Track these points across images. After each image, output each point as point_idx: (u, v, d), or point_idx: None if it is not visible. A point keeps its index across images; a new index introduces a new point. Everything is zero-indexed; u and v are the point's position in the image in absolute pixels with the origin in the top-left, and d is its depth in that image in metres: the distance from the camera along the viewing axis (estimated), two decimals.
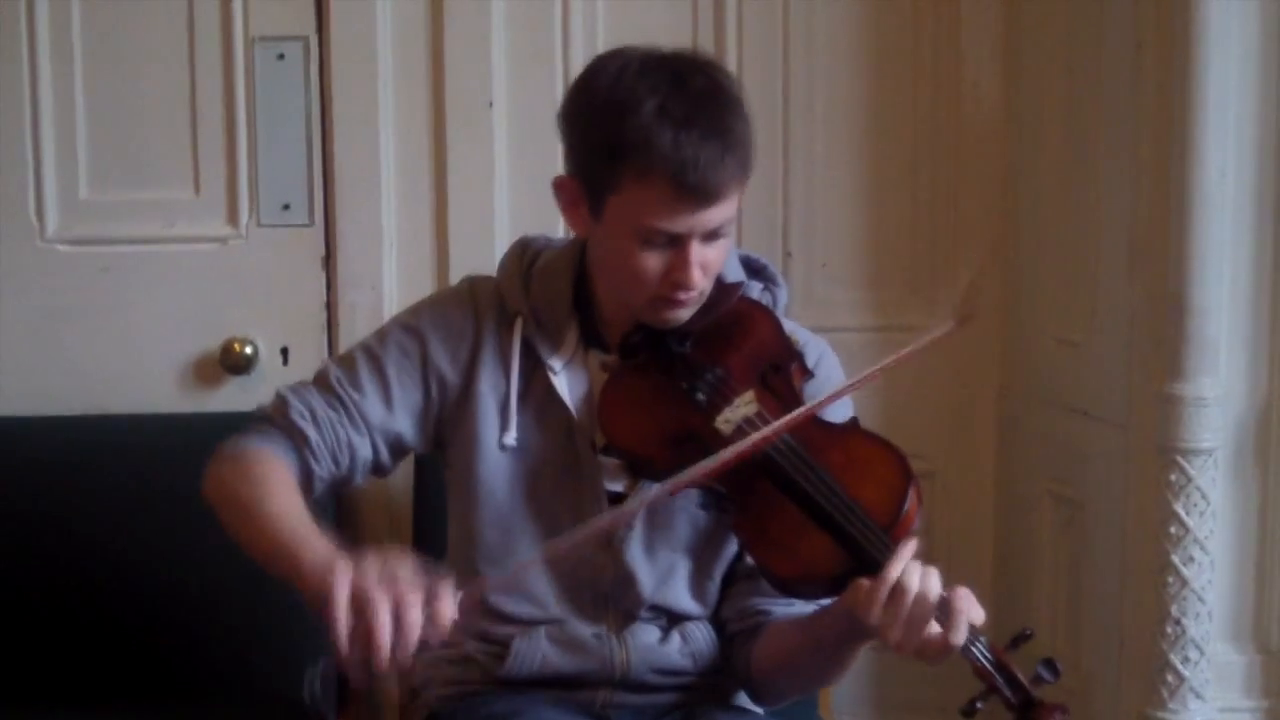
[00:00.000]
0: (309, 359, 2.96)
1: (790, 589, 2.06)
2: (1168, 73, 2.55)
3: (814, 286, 3.08)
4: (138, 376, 2.99)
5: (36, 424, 2.92)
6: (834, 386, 2.19)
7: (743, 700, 2.31)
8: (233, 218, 3.00)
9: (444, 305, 2.27)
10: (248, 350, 2.98)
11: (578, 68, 2.98)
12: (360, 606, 1.81)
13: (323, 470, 2.17)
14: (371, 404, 2.19)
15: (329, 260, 3.02)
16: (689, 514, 2.20)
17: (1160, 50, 2.57)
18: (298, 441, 2.15)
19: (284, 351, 3.00)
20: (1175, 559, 2.58)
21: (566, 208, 2.17)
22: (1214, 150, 2.53)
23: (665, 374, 2.14)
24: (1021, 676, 1.95)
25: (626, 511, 2.09)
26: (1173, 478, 2.57)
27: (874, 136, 3.09)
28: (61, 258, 2.99)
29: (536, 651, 2.19)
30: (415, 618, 1.81)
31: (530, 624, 2.21)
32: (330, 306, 3.02)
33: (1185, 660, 2.60)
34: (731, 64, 3.03)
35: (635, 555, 2.20)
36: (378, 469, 2.24)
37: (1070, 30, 2.87)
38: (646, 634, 2.22)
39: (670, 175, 2.00)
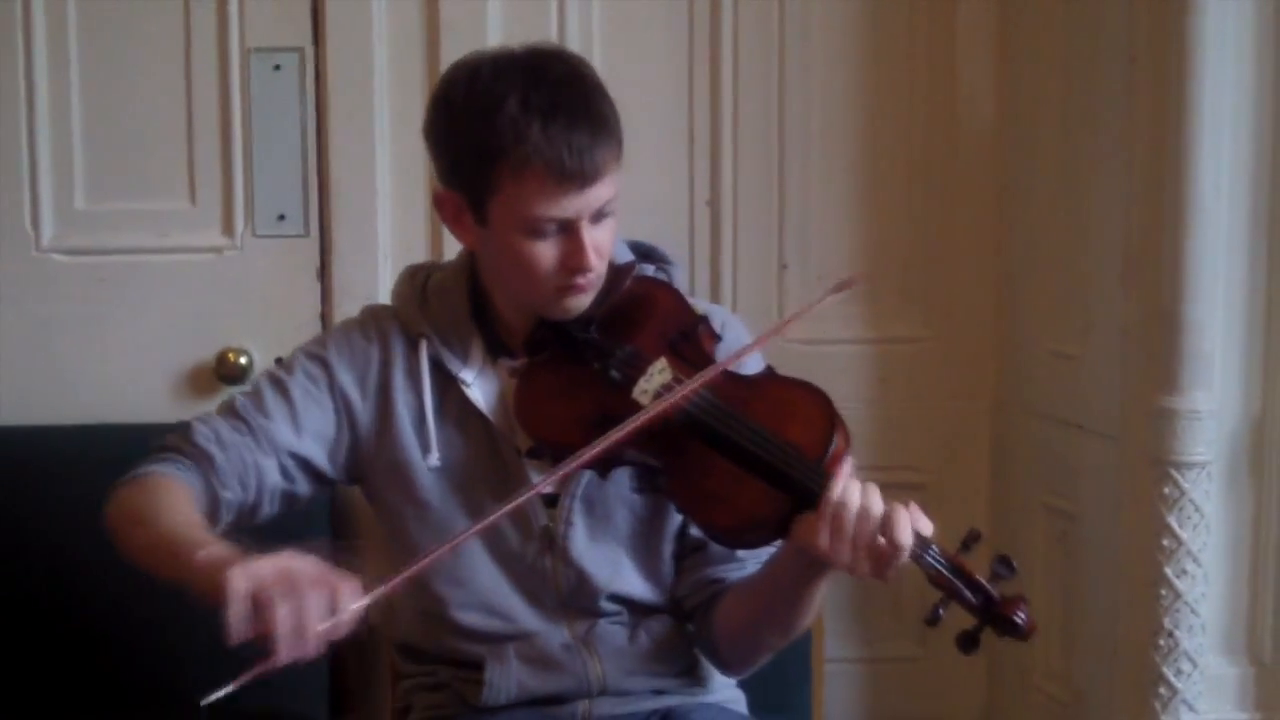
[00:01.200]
0: None
1: (737, 539, 2.08)
2: (1162, 86, 2.55)
3: (809, 298, 3.08)
4: (133, 386, 2.99)
5: (31, 433, 2.92)
6: (742, 345, 2.21)
7: (716, 696, 2.32)
8: (228, 228, 3.01)
9: (348, 334, 2.27)
10: (242, 360, 2.99)
11: None
12: (257, 601, 1.76)
13: (230, 495, 2.13)
14: (279, 427, 2.17)
15: (324, 271, 3.02)
16: (624, 500, 2.21)
17: (1154, 63, 2.58)
18: (203, 466, 2.12)
19: (278, 361, 2.99)
20: (1168, 571, 2.59)
21: (451, 222, 2.18)
22: (1208, 164, 2.53)
23: (576, 362, 2.15)
24: (979, 576, 1.97)
25: (544, 480, 2.06)
26: (1166, 490, 2.57)
27: (869, 149, 3.10)
28: (57, 268, 2.99)
29: (510, 678, 2.20)
30: (312, 614, 1.76)
31: (497, 640, 2.21)
32: (325, 317, 3.02)
33: (1178, 672, 2.60)
34: (727, 73, 3.05)
35: (580, 550, 2.20)
36: (289, 496, 2.21)
37: (1065, 43, 2.87)
38: (614, 637, 2.23)
39: (546, 164, 2.03)
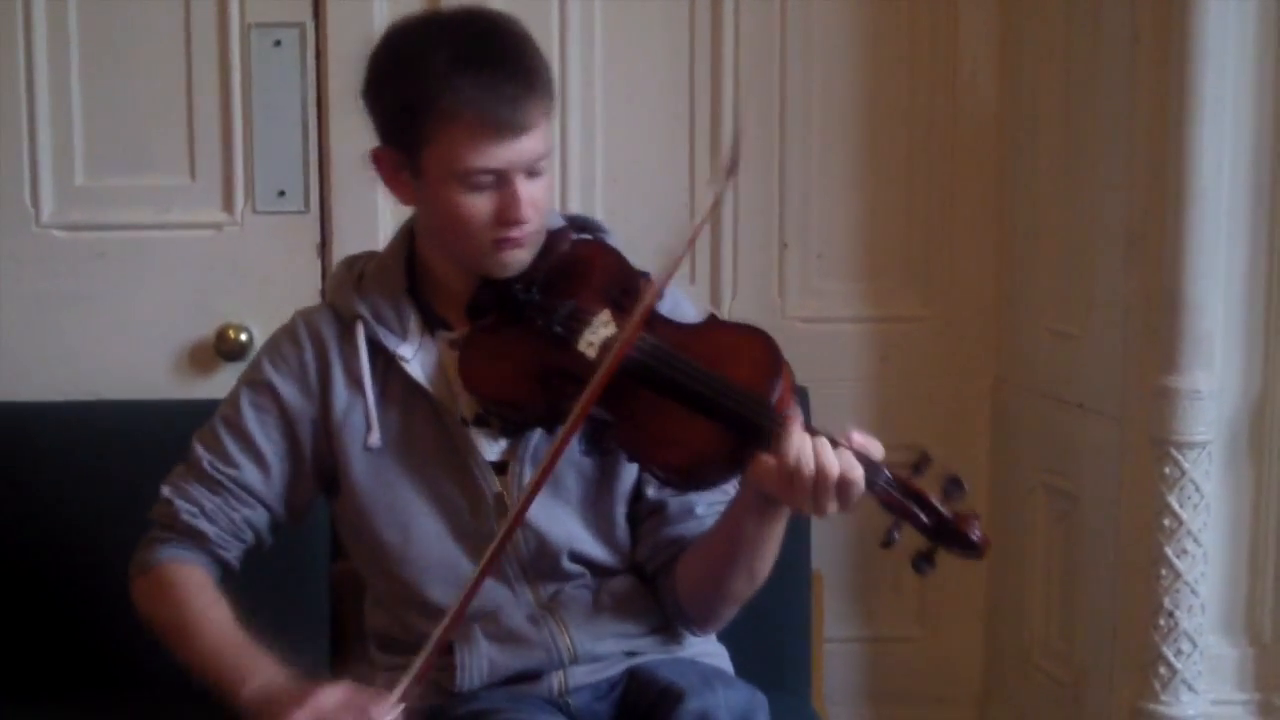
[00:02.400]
0: None
1: (691, 479, 2.09)
2: (1164, 66, 2.55)
3: (809, 277, 3.09)
4: (132, 362, 2.99)
5: (31, 409, 2.92)
6: (681, 305, 2.25)
7: (690, 652, 2.31)
8: (228, 204, 3.00)
9: (278, 345, 2.29)
10: (242, 337, 2.99)
11: (574, 59, 3.02)
12: None
13: (232, 554, 2.24)
14: (249, 474, 2.23)
15: (324, 247, 3.02)
16: (573, 462, 2.21)
17: (1157, 44, 2.57)
18: (199, 542, 2.22)
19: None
20: (1169, 551, 2.59)
21: (388, 179, 2.20)
22: (1210, 144, 2.53)
23: (519, 322, 2.16)
24: (932, 497, 1.98)
25: (540, 473, 2.06)
26: (1167, 470, 2.58)
27: (870, 128, 3.10)
28: (57, 243, 2.99)
29: (481, 658, 2.20)
30: None
31: (464, 621, 2.19)
32: (325, 293, 3.00)
33: (1178, 653, 2.60)
34: (729, 58, 3.04)
35: (535, 514, 2.18)
36: (288, 521, 2.30)
37: (1067, 23, 2.87)
38: (578, 604, 2.23)
39: (477, 115, 2.05)
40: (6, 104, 2.95)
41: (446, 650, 2.19)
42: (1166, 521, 2.58)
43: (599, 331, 2.12)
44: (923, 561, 1.98)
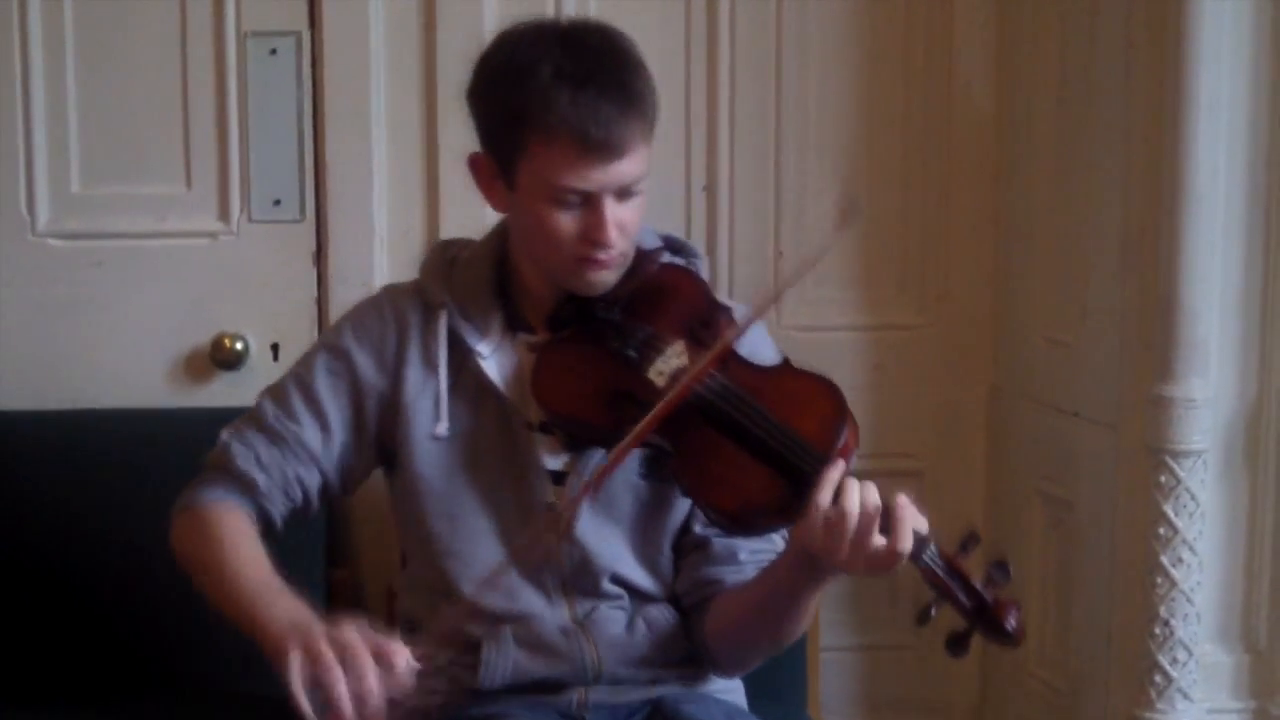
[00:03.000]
0: (299, 355, 2.96)
1: (736, 524, 2.08)
2: (1159, 73, 2.55)
3: (805, 285, 3.08)
4: (128, 371, 2.99)
5: (27, 418, 2.92)
6: (761, 345, 2.24)
7: (711, 688, 2.32)
8: (224, 213, 3.00)
9: (362, 316, 2.30)
10: (238, 346, 2.98)
11: None
12: (319, 681, 1.89)
13: (278, 509, 2.23)
14: (310, 434, 2.23)
15: (320, 256, 3.02)
16: (630, 484, 2.22)
17: (1152, 50, 2.57)
18: (248, 488, 2.21)
19: (274, 347, 3.00)
20: (1164, 560, 2.59)
21: (484, 185, 2.20)
22: (1205, 151, 2.53)
23: (595, 340, 2.16)
24: (974, 579, 1.97)
25: (579, 493, 2.09)
26: (1162, 479, 2.58)
27: (866, 135, 3.09)
28: (53, 252, 2.99)
29: (507, 659, 2.20)
30: (372, 684, 1.89)
31: (496, 620, 2.21)
32: (321, 302, 3.01)
33: (1173, 661, 2.60)
34: (724, 63, 3.04)
35: (584, 528, 2.20)
36: (339, 490, 2.29)
37: (1062, 29, 2.87)
38: (612, 624, 2.23)
39: (572, 133, 2.04)
40: (2, 112, 2.95)
41: (473, 648, 2.20)
42: (1162, 530, 2.58)
43: (671, 361, 2.12)
44: (956, 644, 1.98)
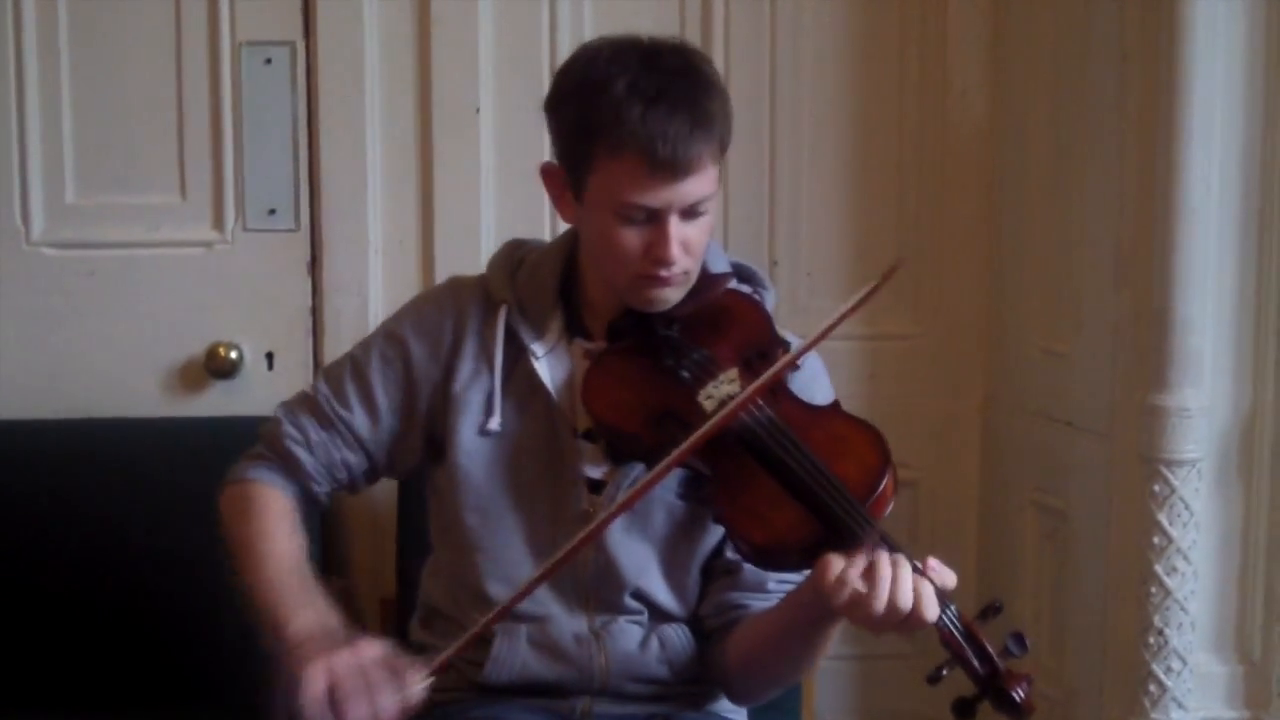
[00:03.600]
0: (294, 364, 2.97)
1: (763, 559, 2.07)
2: (1153, 84, 2.56)
3: (799, 295, 3.08)
4: (122, 380, 2.99)
5: (20, 427, 2.92)
6: (816, 383, 2.24)
7: (720, 708, 2.32)
8: (218, 222, 3.00)
9: (423, 305, 2.32)
10: (233, 355, 2.98)
11: (564, 59, 3.01)
12: (333, 697, 1.92)
13: (322, 488, 2.27)
14: (360, 420, 2.25)
15: (314, 265, 3.02)
16: (666, 503, 2.21)
17: (1146, 62, 2.58)
18: (295, 469, 2.24)
19: (269, 356, 3.00)
20: (1158, 569, 2.59)
21: (554, 194, 2.21)
22: (1199, 162, 2.54)
23: (651, 355, 2.16)
24: (990, 648, 1.95)
25: (617, 507, 2.08)
26: (1156, 488, 2.58)
27: (860, 146, 3.10)
28: (47, 261, 2.99)
29: (516, 656, 2.20)
30: (385, 697, 1.93)
31: (515, 618, 2.20)
32: (315, 312, 3.01)
33: (1168, 670, 2.61)
34: (718, 69, 3.03)
35: (614, 539, 2.20)
36: (389, 473, 2.32)
37: (1056, 41, 2.87)
38: (627, 638, 2.22)
39: (641, 149, 2.04)
40: None
41: (484, 644, 2.20)
42: (1156, 539, 2.59)
43: (722, 387, 2.11)
44: (963, 710, 1.95)
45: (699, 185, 2.08)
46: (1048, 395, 2.93)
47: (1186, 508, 2.58)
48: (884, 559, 1.92)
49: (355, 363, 2.27)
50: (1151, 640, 2.61)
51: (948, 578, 1.96)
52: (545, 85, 2.95)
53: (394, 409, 2.25)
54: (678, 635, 2.25)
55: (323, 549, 2.88)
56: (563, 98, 2.15)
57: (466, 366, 2.24)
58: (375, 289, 2.99)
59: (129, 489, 2.83)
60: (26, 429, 2.91)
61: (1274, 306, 2.64)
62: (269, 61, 2.97)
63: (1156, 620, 2.60)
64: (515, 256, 2.30)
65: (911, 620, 1.93)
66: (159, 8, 2.95)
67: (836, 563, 1.93)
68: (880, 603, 1.91)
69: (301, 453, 2.24)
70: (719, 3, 3.03)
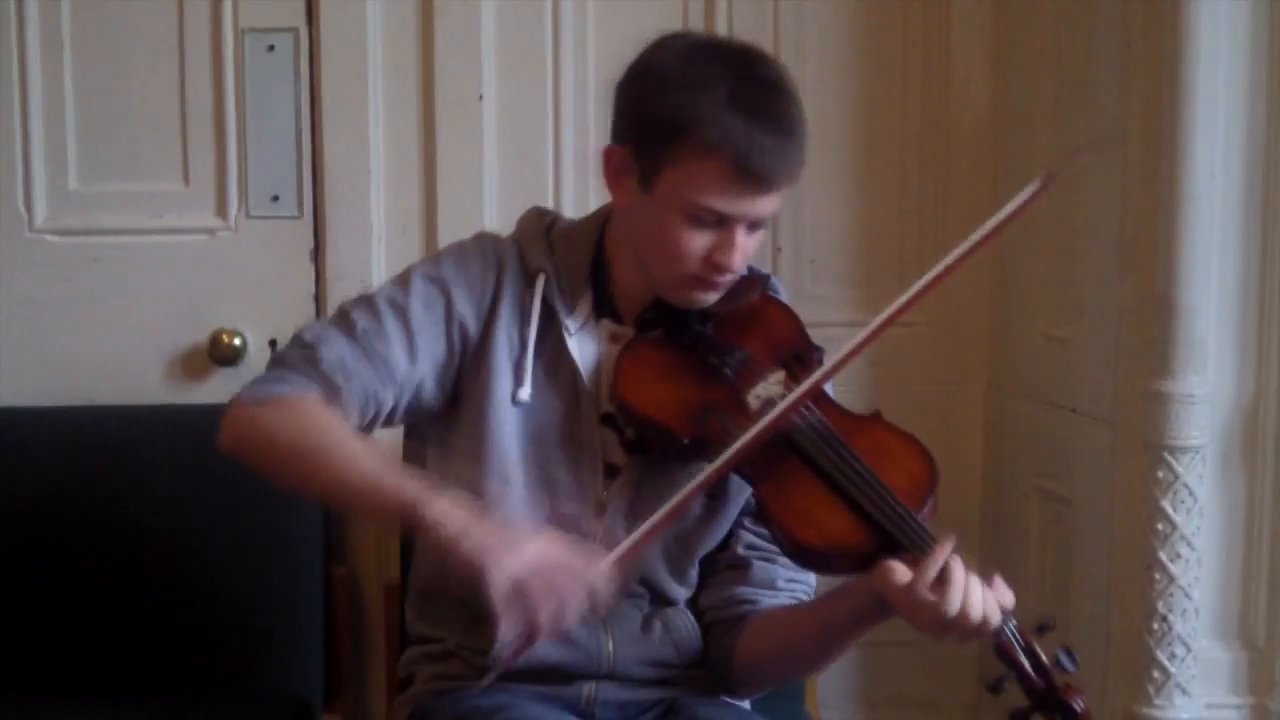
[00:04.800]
0: None
1: (813, 561, 2.08)
2: (1157, 71, 2.55)
3: (802, 282, 3.08)
4: (125, 367, 2.99)
5: (23, 414, 2.92)
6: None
7: (720, 689, 2.31)
8: (222, 209, 3.00)
9: (466, 256, 2.23)
10: (236, 342, 2.98)
11: (568, 61, 3.01)
12: (521, 601, 1.87)
13: (352, 420, 2.12)
14: (397, 357, 2.15)
15: (318, 252, 3.02)
16: (676, 488, 2.17)
17: (1149, 49, 2.58)
18: (330, 393, 2.10)
19: (272, 343, 3.00)
20: (1162, 555, 2.59)
21: (612, 176, 2.16)
22: (1202, 149, 2.53)
23: (689, 350, 2.16)
24: (1046, 660, 1.97)
25: (700, 484, 2.04)
26: (1160, 474, 2.58)
27: (863, 133, 3.10)
28: (50, 248, 2.99)
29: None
30: (573, 595, 1.89)
31: None
32: (319, 299, 3.02)
33: (1172, 656, 2.61)
34: None
35: (620, 524, 2.17)
36: (399, 419, 2.21)
37: (1059, 28, 2.87)
38: (630, 620, 2.22)
39: (736, 157, 2.03)
40: (0, 109, 2.95)
41: (489, 629, 2.14)
42: (1160, 525, 2.58)
43: (770, 388, 2.11)
44: None
45: (774, 202, 2.09)
46: (1051, 381, 2.93)
47: (1190, 494, 2.58)
48: (959, 569, 1.94)
49: (394, 301, 2.17)
50: (1155, 626, 2.60)
51: (1007, 597, 1.99)
52: (548, 72, 3.00)
53: (431, 354, 2.17)
54: (679, 618, 2.25)
55: (325, 534, 2.89)
56: (653, 87, 2.11)
57: (502, 328, 2.19)
58: (378, 276, 2.99)
59: (132, 476, 2.83)
60: (29, 416, 2.91)
61: (1278, 293, 2.64)
62: (272, 48, 2.97)
63: (1160, 607, 2.60)
64: (544, 222, 2.28)
65: (981, 628, 1.95)
66: None
67: (902, 571, 1.95)
68: (952, 611, 1.93)
69: (339, 379, 2.10)
70: None
